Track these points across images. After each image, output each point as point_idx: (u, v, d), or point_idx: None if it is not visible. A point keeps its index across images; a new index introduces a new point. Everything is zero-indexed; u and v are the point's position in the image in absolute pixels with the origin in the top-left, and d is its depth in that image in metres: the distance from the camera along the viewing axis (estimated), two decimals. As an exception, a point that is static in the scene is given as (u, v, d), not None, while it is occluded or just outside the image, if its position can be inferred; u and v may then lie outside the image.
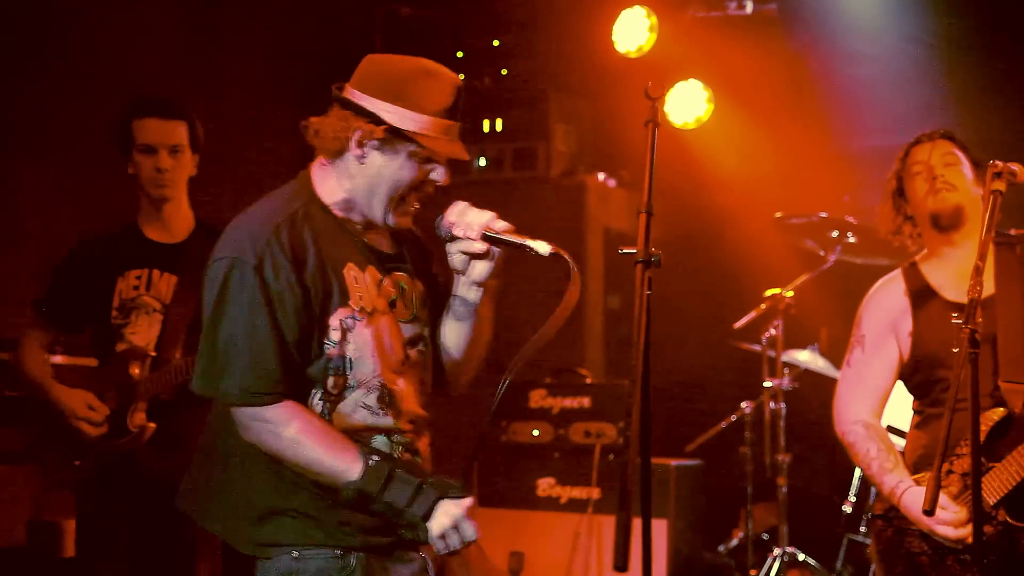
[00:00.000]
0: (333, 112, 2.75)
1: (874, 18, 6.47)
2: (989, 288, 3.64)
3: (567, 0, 6.82)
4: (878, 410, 3.84)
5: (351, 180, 2.76)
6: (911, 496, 3.53)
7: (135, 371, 4.03)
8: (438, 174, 2.77)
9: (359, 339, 2.73)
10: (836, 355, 5.10)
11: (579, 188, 6.77)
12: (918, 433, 3.74)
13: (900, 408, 4.05)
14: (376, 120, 2.69)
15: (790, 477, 5.71)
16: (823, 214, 5.67)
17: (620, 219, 6.98)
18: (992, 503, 3.43)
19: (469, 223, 2.77)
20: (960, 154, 3.77)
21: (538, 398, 5.82)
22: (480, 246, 2.78)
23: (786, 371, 5.80)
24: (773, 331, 5.67)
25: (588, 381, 5.94)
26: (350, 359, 2.72)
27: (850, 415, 3.81)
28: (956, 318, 3.19)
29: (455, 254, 2.82)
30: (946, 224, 3.66)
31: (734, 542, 6.11)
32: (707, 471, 5.90)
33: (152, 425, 4.03)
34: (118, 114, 4.14)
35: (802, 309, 5.83)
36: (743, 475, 5.85)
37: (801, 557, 5.62)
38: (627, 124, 5.37)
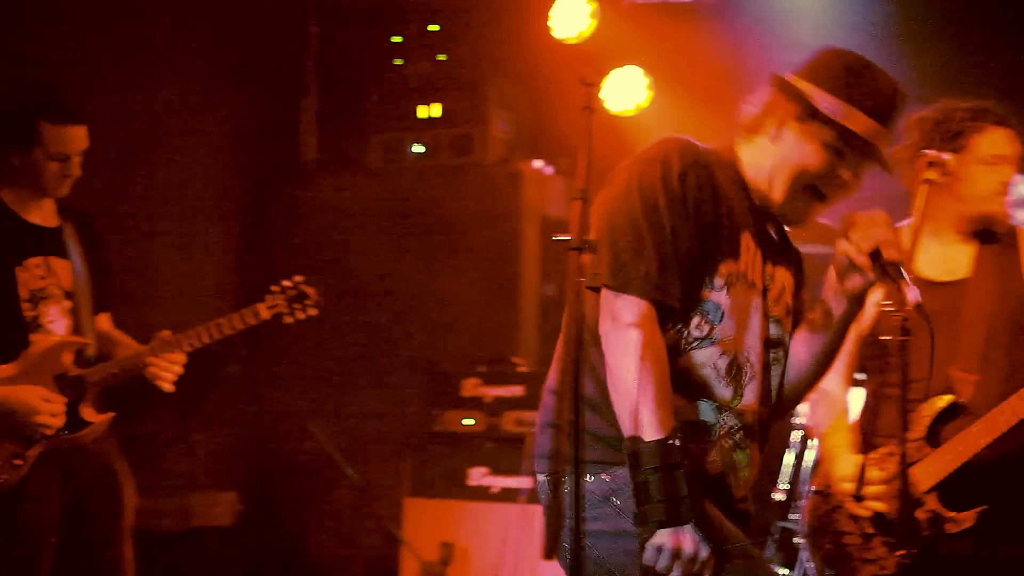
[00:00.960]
0: (769, 92, 2.78)
1: (816, 6, 6.46)
2: (963, 273, 3.63)
3: (507, -17, 6.76)
4: (845, 376, 3.79)
5: (761, 158, 2.75)
6: (841, 461, 3.56)
7: (68, 361, 3.96)
8: (846, 172, 2.72)
9: (737, 300, 2.67)
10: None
11: (516, 175, 6.70)
12: (870, 412, 3.74)
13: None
14: (803, 103, 2.69)
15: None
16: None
17: (558, 206, 6.92)
18: (925, 489, 3.43)
19: (869, 232, 2.66)
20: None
21: (470, 387, 5.76)
22: (863, 259, 2.67)
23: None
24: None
25: (522, 370, 5.89)
26: (723, 311, 2.65)
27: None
28: (887, 305, 3.18)
29: (841, 255, 2.71)
30: (996, 230, 3.62)
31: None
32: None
33: (109, 415, 3.98)
34: (20, 107, 4.08)
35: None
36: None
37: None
38: (566, 111, 5.31)
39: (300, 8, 6.99)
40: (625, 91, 6.67)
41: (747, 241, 2.72)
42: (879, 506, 3.46)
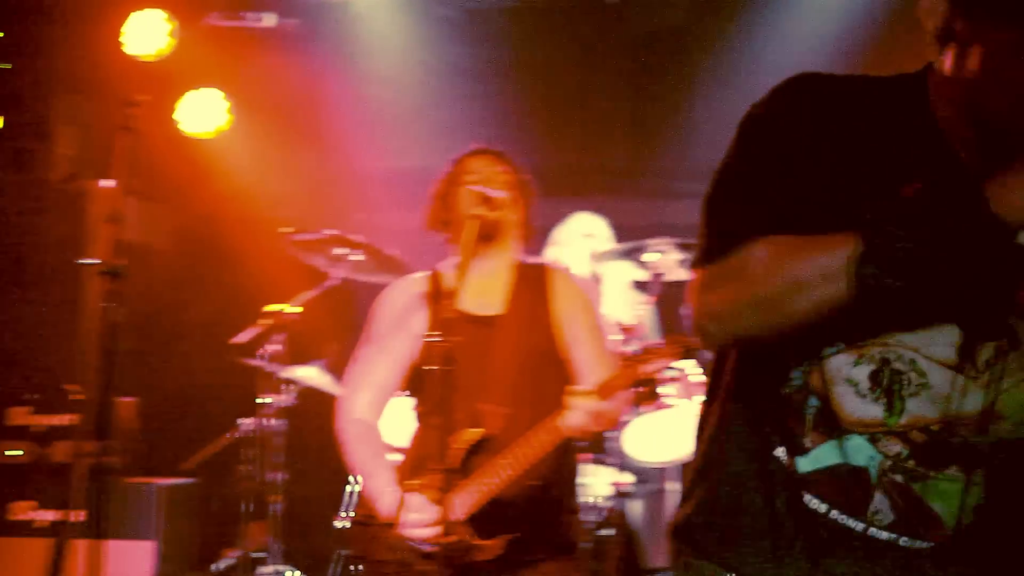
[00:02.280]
0: None
1: (394, 42, 6.60)
2: (498, 308, 3.76)
3: (80, -3, 6.48)
4: (381, 409, 3.84)
5: None
6: (388, 499, 3.58)
7: None
8: None
9: None
10: (342, 372, 5.12)
11: (82, 194, 6.41)
12: (417, 440, 3.79)
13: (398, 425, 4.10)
14: None
15: (289, 495, 5.65)
16: (330, 231, 5.68)
17: (129, 229, 6.66)
18: (458, 518, 3.52)
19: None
20: (507, 173, 3.86)
21: (19, 416, 5.43)
22: None
23: (290, 387, 5.75)
24: (274, 347, 5.60)
25: (77, 398, 5.61)
26: None
27: (349, 412, 3.81)
28: (433, 334, 3.25)
29: None
30: (483, 235, 3.70)
31: (225, 562, 5.97)
32: (205, 490, 5.74)
33: None
34: None
35: (308, 325, 5.81)
36: (241, 493, 5.73)
37: (289, 575, 5.58)
38: (140, 130, 5.14)
39: None
40: (204, 113, 6.56)
41: None
42: (419, 534, 3.52)
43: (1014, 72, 1.69)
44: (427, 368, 3.43)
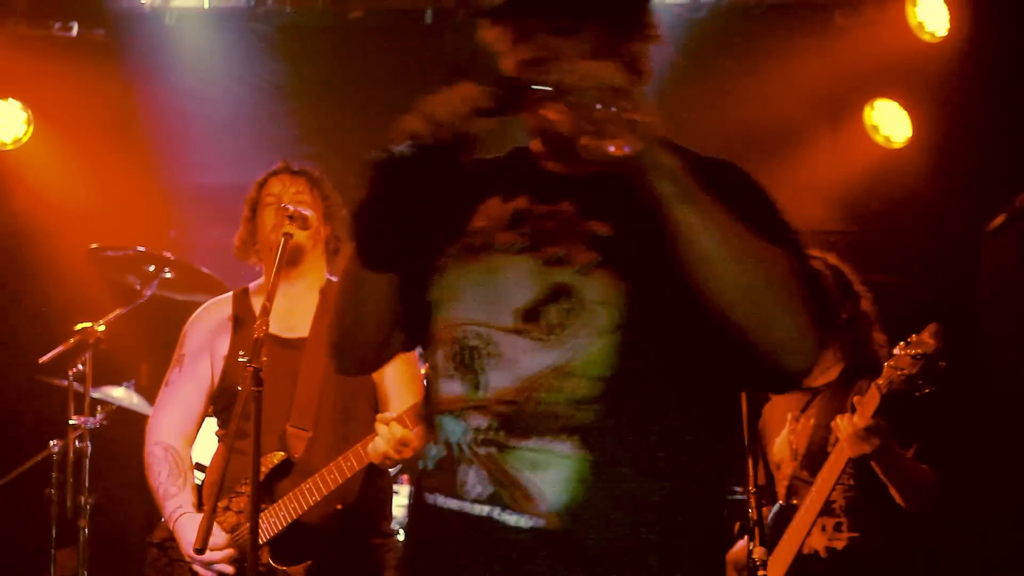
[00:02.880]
0: None
1: (205, 57, 6.49)
2: (306, 330, 3.74)
3: None
4: (188, 432, 3.78)
5: None
6: (184, 523, 3.52)
7: None
8: None
9: None
10: (154, 391, 5.02)
11: None
12: (217, 464, 3.74)
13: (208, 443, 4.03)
14: None
15: (100, 519, 5.49)
16: (141, 248, 5.56)
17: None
18: (262, 542, 3.49)
19: None
20: (313, 192, 3.83)
21: None
22: None
23: (99, 408, 5.59)
24: (82, 366, 5.44)
25: None
26: None
27: (154, 435, 3.75)
28: (241, 356, 3.22)
29: None
30: (286, 260, 3.68)
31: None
32: (9, 515, 5.53)
33: None
34: None
35: (118, 344, 5.66)
36: (48, 518, 5.55)
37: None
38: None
39: None
40: (4, 125, 6.34)
41: None
42: (218, 557, 3.48)
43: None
44: (234, 389, 3.40)
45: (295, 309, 3.80)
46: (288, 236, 3.56)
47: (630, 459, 1.94)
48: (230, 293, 3.95)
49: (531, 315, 1.98)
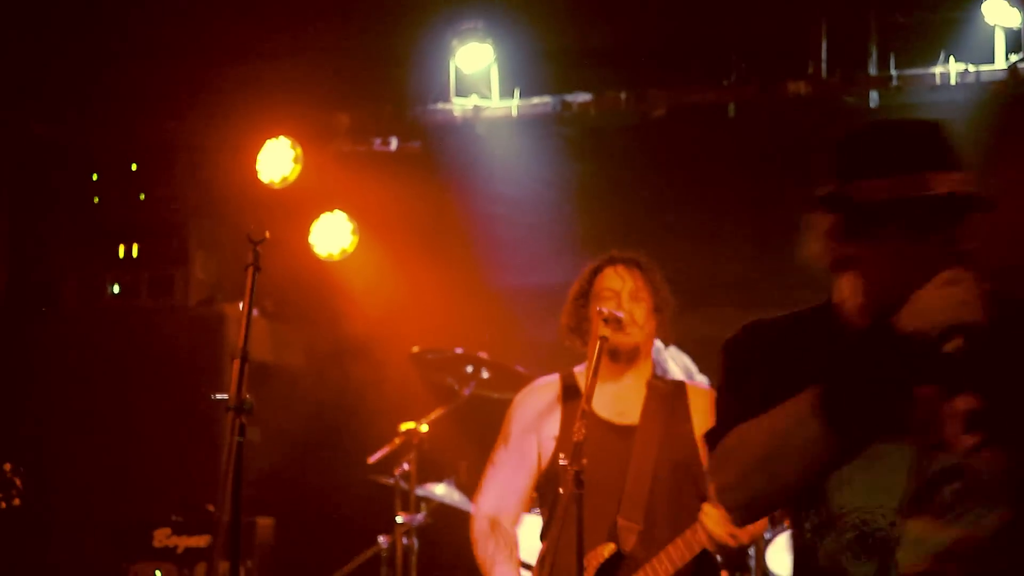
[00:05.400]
0: None
1: (512, 162, 6.71)
2: (633, 419, 3.75)
3: (211, 126, 6.72)
4: (512, 512, 3.83)
5: None
6: None
7: None
8: None
9: None
10: (474, 488, 5.14)
11: (218, 317, 6.58)
12: (546, 552, 3.77)
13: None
14: None
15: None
16: (458, 349, 5.75)
17: (262, 350, 6.82)
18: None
19: None
20: (648, 289, 3.84)
21: (162, 537, 5.54)
22: None
23: (423, 505, 5.79)
24: (407, 465, 5.65)
25: (215, 518, 5.69)
26: None
27: (481, 511, 3.82)
28: (562, 458, 3.26)
29: None
30: (624, 360, 3.73)
31: None
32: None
33: None
34: None
35: (438, 443, 5.86)
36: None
37: None
38: (271, 254, 5.27)
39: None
40: (331, 236, 6.73)
41: None
42: None
43: (898, 273, 2.04)
44: (561, 464, 3.39)
45: (624, 396, 3.80)
46: (604, 340, 3.59)
47: None
48: (556, 375, 3.98)
49: (924, 496, 2.06)
